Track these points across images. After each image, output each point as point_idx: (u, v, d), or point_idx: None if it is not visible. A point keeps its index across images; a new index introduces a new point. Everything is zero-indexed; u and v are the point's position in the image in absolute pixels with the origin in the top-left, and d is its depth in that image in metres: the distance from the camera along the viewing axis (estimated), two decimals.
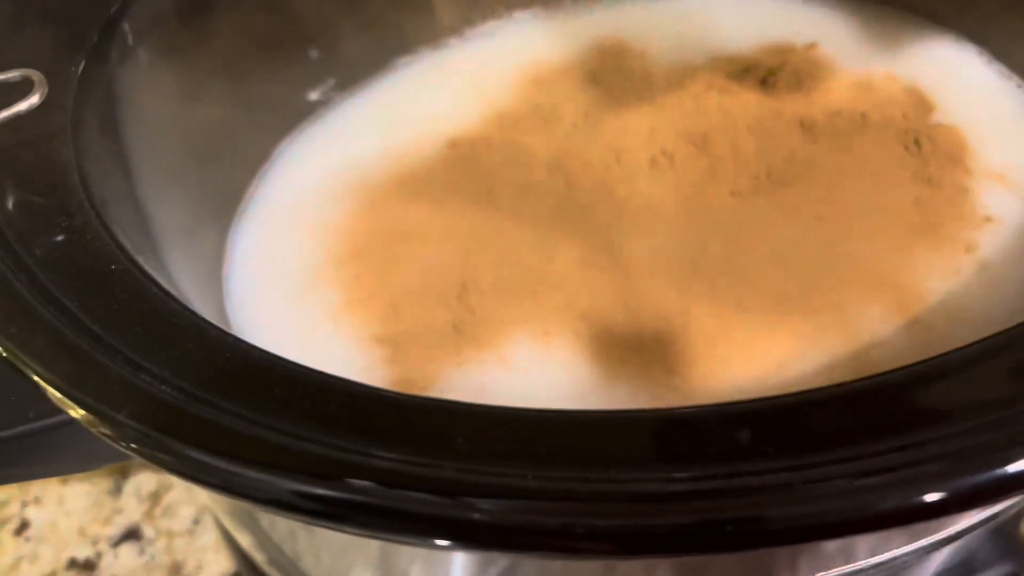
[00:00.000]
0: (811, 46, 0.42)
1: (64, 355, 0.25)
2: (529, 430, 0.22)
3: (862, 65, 0.41)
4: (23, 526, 0.46)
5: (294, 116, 0.42)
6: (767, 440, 0.21)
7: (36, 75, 0.31)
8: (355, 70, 0.43)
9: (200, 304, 0.33)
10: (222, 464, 0.22)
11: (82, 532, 0.45)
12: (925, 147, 0.36)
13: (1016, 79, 0.41)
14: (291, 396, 0.24)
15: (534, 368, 0.32)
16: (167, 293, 0.26)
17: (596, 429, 0.22)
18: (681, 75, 0.41)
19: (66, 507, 0.46)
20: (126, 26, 0.34)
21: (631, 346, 0.32)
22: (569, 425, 0.22)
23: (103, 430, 0.24)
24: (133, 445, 0.24)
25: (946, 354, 0.22)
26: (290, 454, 0.22)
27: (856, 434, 0.21)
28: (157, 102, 0.35)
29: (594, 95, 0.40)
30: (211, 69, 0.37)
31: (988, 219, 0.34)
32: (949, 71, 0.41)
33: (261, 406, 0.23)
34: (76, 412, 0.24)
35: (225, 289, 0.37)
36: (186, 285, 0.32)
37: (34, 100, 0.30)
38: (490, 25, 0.45)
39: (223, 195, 0.39)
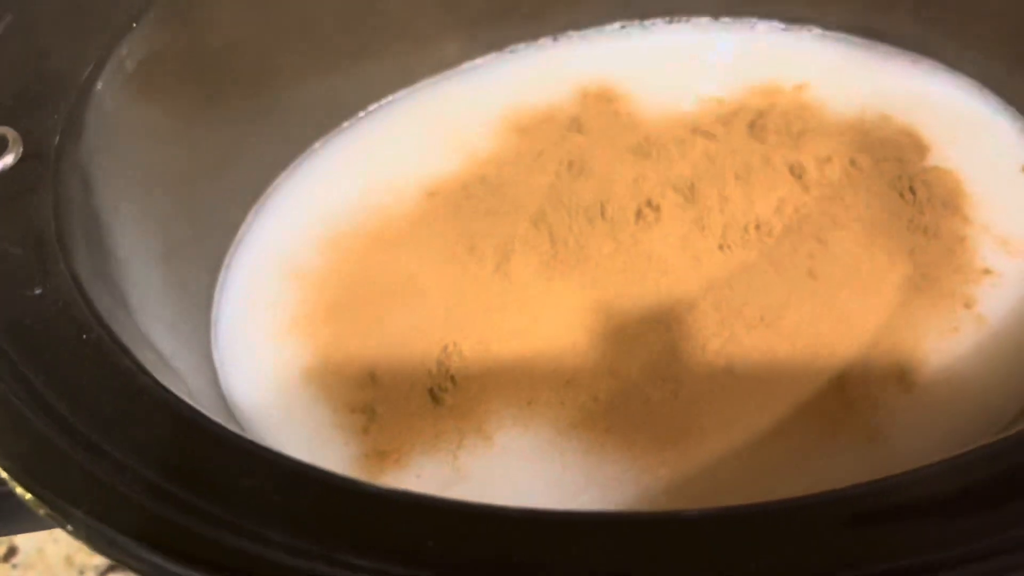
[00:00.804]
0: (800, 86, 0.40)
1: (24, 439, 0.24)
2: (505, 532, 0.21)
3: (854, 105, 0.39)
4: (11, 552, 0.45)
5: (274, 166, 0.41)
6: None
7: (11, 133, 0.30)
8: (334, 116, 0.42)
9: (186, 354, 0.32)
10: (180, 571, 0.21)
11: (69, 561, 0.45)
12: (920, 193, 0.35)
13: (1013, 111, 0.40)
14: (260, 489, 0.23)
15: (514, 445, 0.30)
16: (139, 366, 0.25)
17: (580, 534, 0.21)
18: (667, 120, 0.39)
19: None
20: (102, 85, 0.33)
21: (618, 415, 0.31)
22: (550, 527, 0.21)
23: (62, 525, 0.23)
24: (90, 544, 0.23)
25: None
26: (252, 562, 0.21)
27: None
28: (136, 155, 0.34)
29: (578, 142, 0.39)
30: (188, 121, 0.36)
31: (987, 271, 0.33)
32: (944, 108, 0.40)
33: (227, 500, 0.23)
34: (35, 506, 0.23)
35: (213, 337, 0.36)
36: (169, 339, 0.31)
37: (8, 160, 0.30)
38: (469, 65, 0.44)
39: (208, 244, 0.38)
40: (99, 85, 0.32)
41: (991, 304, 0.32)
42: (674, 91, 0.41)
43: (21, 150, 0.30)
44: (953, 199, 0.35)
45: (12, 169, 0.30)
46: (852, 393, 0.30)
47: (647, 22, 0.44)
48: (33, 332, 0.26)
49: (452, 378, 0.32)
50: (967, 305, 0.32)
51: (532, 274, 0.35)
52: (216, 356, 0.35)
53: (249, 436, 0.27)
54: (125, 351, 0.26)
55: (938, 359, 0.31)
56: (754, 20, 0.44)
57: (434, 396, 0.32)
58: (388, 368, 0.33)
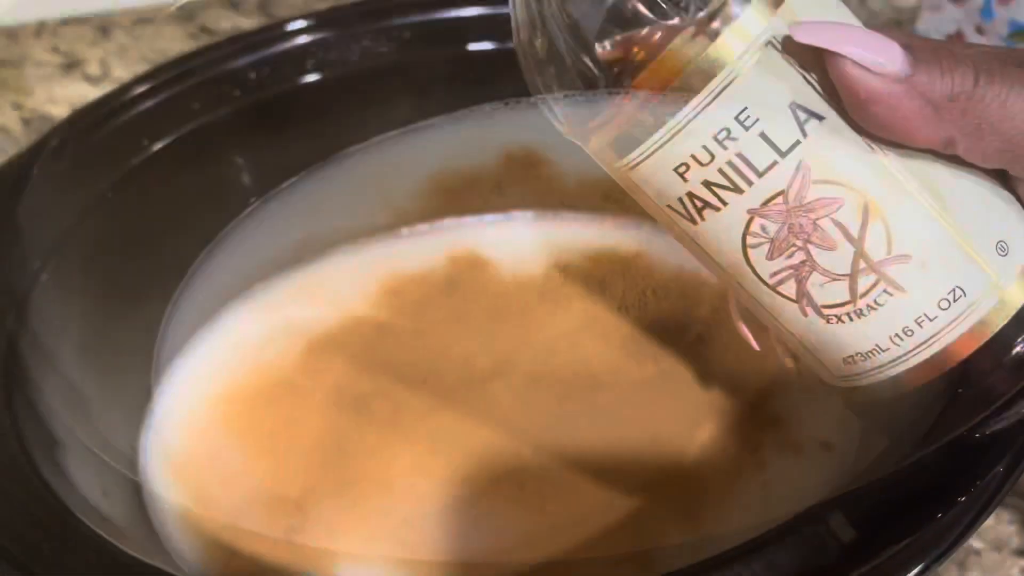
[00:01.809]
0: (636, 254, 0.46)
1: None
2: None
3: (677, 272, 0.45)
4: None
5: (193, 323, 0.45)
6: None
7: None
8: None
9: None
10: None
11: None
12: (727, 353, 0.40)
13: None
14: None
15: None
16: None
17: None
18: (519, 286, 0.45)
19: None
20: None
21: (447, 548, 0.35)
22: None
23: None
24: None
25: None
26: None
27: None
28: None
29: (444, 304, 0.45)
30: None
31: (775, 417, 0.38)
32: None
33: None
34: None
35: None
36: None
37: None
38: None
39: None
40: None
41: (776, 444, 0.37)
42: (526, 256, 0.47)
43: None
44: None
45: None
46: (642, 530, 0.35)
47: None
48: None
49: (306, 518, 0.37)
50: (754, 449, 0.37)
51: (387, 422, 0.40)
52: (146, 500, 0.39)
53: None
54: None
55: (724, 498, 0.36)
56: None
57: (288, 535, 0.36)
58: (251, 510, 0.37)
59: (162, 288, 0.42)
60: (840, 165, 0.25)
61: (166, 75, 0.40)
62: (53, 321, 0.35)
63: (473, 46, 0.43)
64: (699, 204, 0.26)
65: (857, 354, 0.27)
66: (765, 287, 0.27)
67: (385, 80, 0.42)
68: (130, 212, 0.38)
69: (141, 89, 0.40)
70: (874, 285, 0.26)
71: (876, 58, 0.24)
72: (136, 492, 0.39)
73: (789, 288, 0.27)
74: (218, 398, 0.42)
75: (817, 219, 0.25)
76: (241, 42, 0.41)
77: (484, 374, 0.41)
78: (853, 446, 0.37)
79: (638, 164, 0.26)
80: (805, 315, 0.27)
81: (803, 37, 0.24)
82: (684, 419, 0.38)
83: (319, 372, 0.42)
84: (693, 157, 0.25)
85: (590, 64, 0.26)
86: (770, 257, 0.26)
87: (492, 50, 0.42)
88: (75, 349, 0.37)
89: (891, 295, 0.26)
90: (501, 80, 0.43)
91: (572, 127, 0.28)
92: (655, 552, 0.34)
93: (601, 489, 0.36)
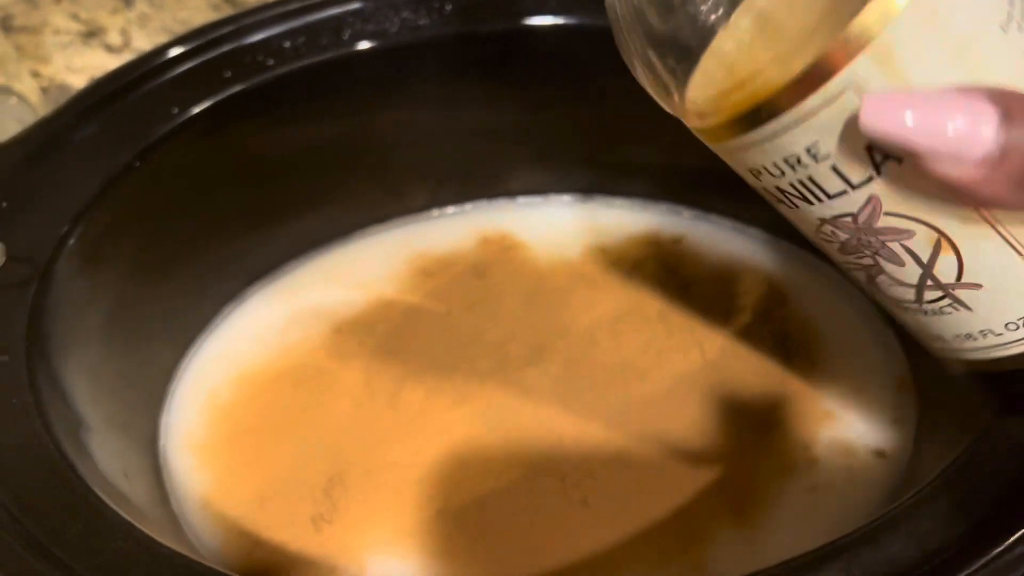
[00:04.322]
0: (677, 238, 0.45)
1: None
2: None
3: (721, 259, 0.43)
4: None
5: (207, 315, 0.43)
6: None
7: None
8: (269, 263, 0.45)
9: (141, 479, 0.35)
10: None
11: None
12: (771, 342, 0.39)
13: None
14: None
15: (385, 572, 0.33)
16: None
17: None
18: (554, 269, 0.44)
19: None
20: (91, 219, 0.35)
21: (483, 543, 0.33)
22: None
23: None
24: None
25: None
26: None
27: None
28: (90, 306, 0.37)
29: (476, 286, 0.43)
30: (133, 278, 0.39)
31: (827, 414, 0.37)
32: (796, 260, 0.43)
33: None
34: None
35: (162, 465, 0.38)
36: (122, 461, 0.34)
37: None
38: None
39: (147, 385, 0.40)
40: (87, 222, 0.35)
41: (826, 445, 0.36)
42: (567, 238, 0.45)
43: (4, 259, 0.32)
44: (804, 346, 0.39)
45: None
46: (691, 526, 0.33)
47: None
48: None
49: (334, 507, 0.35)
50: (805, 447, 0.35)
51: (418, 409, 0.38)
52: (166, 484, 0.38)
53: None
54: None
55: (774, 498, 0.34)
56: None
57: (315, 524, 0.35)
58: (275, 496, 0.36)
59: (188, 264, 0.40)
60: (914, 204, 0.23)
61: (197, 41, 0.38)
62: (78, 293, 0.34)
63: (530, 20, 0.40)
64: (773, 198, 0.26)
65: (921, 333, 0.28)
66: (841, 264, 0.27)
67: (425, 53, 0.40)
68: (157, 182, 0.37)
69: (171, 55, 0.38)
70: (941, 298, 0.25)
71: (961, 148, 0.20)
72: (157, 475, 0.37)
73: (860, 276, 0.27)
74: (240, 379, 0.41)
75: (887, 241, 0.24)
76: (276, 10, 0.39)
77: (519, 361, 0.40)
78: (906, 456, 0.36)
79: (717, 149, 0.26)
80: (875, 298, 0.28)
81: (869, 125, 0.21)
82: (731, 412, 0.37)
83: (346, 356, 0.41)
84: (765, 168, 0.25)
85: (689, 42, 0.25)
86: (842, 253, 0.26)
87: (549, 25, 0.40)
88: (100, 324, 0.35)
89: (957, 310, 0.25)
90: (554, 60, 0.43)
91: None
92: (704, 550, 0.32)
93: (645, 483, 0.34)
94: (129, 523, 0.27)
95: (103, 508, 0.27)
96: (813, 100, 0.22)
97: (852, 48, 0.21)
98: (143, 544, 0.26)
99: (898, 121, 0.20)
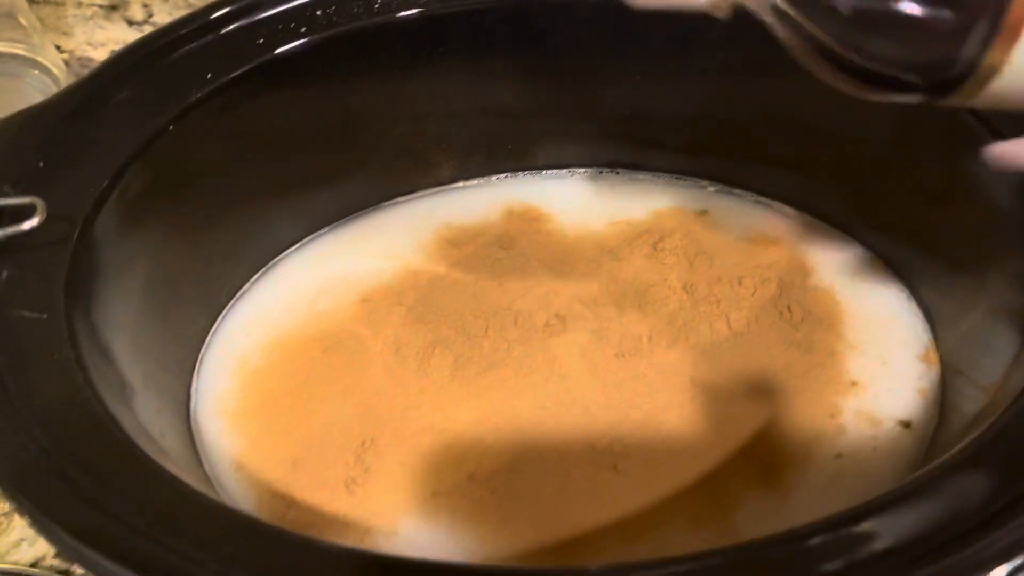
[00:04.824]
0: (702, 212, 0.45)
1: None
2: None
3: (745, 232, 0.44)
4: None
5: (238, 280, 0.44)
6: None
7: (38, 202, 0.32)
8: (298, 232, 0.46)
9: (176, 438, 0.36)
10: None
11: None
12: (796, 313, 0.39)
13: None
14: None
15: (416, 534, 0.33)
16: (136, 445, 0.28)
17: None
18: (579, 240, 0.44)
19: None
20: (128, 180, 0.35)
21: (512, 506, 0.34)
22: None
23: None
24: None
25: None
26: None
27: None
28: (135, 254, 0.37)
29: (503, 256, 0.43)
30: (168, 242, 0.39)
31: (853, 384, 0.37)
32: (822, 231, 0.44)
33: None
34: None
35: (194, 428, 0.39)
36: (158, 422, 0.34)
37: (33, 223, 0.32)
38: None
39: (178, 349, 0.40)
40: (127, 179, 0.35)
41: (852, 414, 0.36)
42: (591, 213, 0.45)
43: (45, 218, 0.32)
44: (828, 317, 0.39)
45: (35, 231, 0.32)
46: (720, 491, 0.33)
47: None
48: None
49: (367, 470, 0.35)
50: (831, 415, 0.36)
51: (448, 375, 0.38)
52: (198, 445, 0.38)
53: None
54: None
55: (801, 464, 0.34)
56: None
57: (348, 487, 0.35)
58: (308, 459, 0.36)
59: (221, 230, 0.41)
60: None
61: (233, 6, 0.38)
62: (116, 254, 0.34)
63: None
64: None
65: None
66: None
67: (456, 23, 0.41)
68: (191, 146, 0.37)
69: (205, 21, 0.38)
70: None
71: None
72: (190, 438, 0.38)
73: None
74: (271, 346, 0.41)
75: None
76: None
77: (546, 330, 0.40)
78: (932, 426, 0.36)
79: None
80: None
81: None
82: (757, 380, 0.37)
83: (376, 323, 0.41)
84: None
85: None
86: None
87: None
88: (137, 286, 0.35)
89: None
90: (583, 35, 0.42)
91: None
92: (734, 514, 0.33)
93: (674, 449, 0.35)
94: (174, 476, 0.27)
95: (148, 461, 0.27)
96: None
97: None
98: (188, 496, 0.27)
99: None
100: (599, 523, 0.33)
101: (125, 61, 0.37)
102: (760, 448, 0.35)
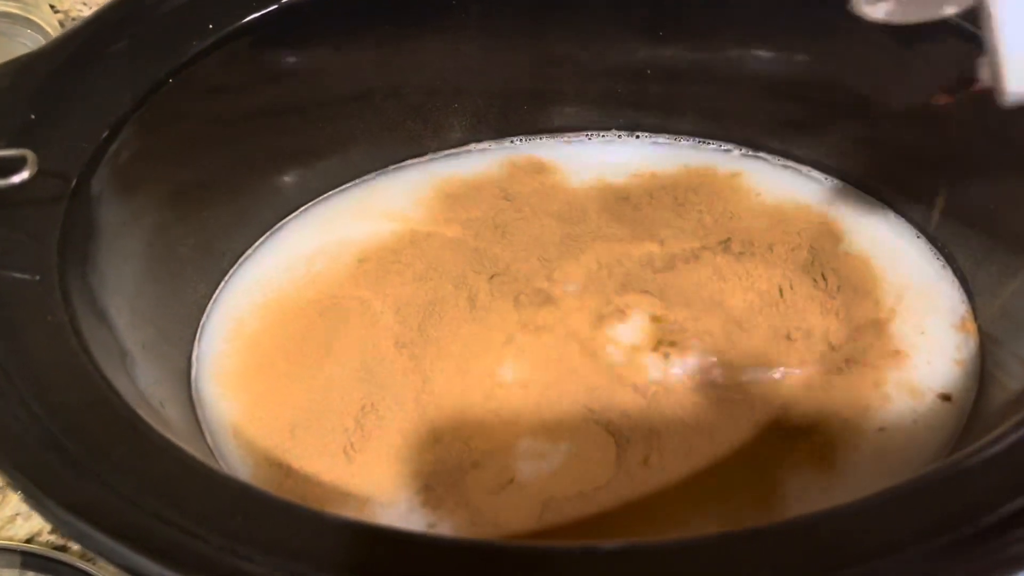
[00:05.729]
0: (735, 174, 0.43)
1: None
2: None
3: (774, 197, 0.42)
4: None
5: (239, 246, 0.42)
6: None
7: (29, 155, 0.30)
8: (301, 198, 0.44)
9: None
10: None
11: None
12: (831, 280, 0.37)
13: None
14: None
15: (421, 509, 0.32)
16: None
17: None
18: (593, 191, 0.42)
19: None
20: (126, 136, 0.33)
21: (522, 479, 0.32)
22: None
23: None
24: None
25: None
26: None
27: None
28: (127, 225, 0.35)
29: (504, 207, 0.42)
30: (166, 205, 0.37)
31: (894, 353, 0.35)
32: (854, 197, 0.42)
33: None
34: None
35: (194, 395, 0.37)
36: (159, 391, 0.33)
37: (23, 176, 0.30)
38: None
39: (179, 316, 0.39)
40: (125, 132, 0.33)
41: (894, 385, 0.34)
42: (608, 168, 0.43)
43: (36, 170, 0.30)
44: (863, 284, 0.37)
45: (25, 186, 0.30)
46: (763, 463, 0.32)
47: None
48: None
49: (366, 437, 0.33)
50: (875, 384, 0.34)
51: (450, 338, 0.37)
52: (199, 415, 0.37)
53: None
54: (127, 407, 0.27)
55: (849, 437, 0.33)
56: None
57: (347, 454, 0.33)
58: (307, 425, 0.34)
59: (225, 192, 0.39)
60: None
61: None
62: (113, 215, 0.32)
63: None
64: None
65: None
66: None
67: None
68: (192, 102, 0.35)
69: None
70: None
71: None
72: (191, 407, 0.36)
73: None
74: (267, 307, 0.39)
75: None
76: None
77: (556, 292, 0.38)
78: (971, 398, 0.34)
79: None
80: None
81: None
82: (794, 348, 0.35)
83: (375, 285, 0.39)
84: None
85: None
86: None
87: None
88: (136, 250, 0.34)
89: None
90: None
91: None
92: (781, 489, 0.31)
93: (711, 422, 0.33)
94: (174, 444, 0.25)
95: (148, 431, 0.26)
96: None
97: None
98: (191, 468, 0.25)
99: None
100: (616, 501, 0.31)
101: (122, 9, 0.35)
102: (803, 420, 0.33)
